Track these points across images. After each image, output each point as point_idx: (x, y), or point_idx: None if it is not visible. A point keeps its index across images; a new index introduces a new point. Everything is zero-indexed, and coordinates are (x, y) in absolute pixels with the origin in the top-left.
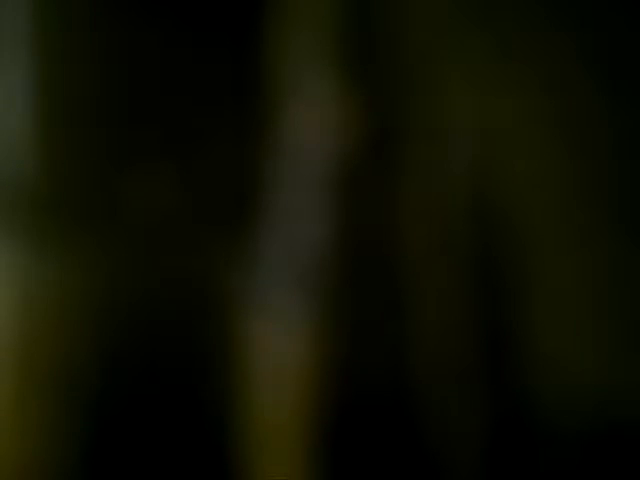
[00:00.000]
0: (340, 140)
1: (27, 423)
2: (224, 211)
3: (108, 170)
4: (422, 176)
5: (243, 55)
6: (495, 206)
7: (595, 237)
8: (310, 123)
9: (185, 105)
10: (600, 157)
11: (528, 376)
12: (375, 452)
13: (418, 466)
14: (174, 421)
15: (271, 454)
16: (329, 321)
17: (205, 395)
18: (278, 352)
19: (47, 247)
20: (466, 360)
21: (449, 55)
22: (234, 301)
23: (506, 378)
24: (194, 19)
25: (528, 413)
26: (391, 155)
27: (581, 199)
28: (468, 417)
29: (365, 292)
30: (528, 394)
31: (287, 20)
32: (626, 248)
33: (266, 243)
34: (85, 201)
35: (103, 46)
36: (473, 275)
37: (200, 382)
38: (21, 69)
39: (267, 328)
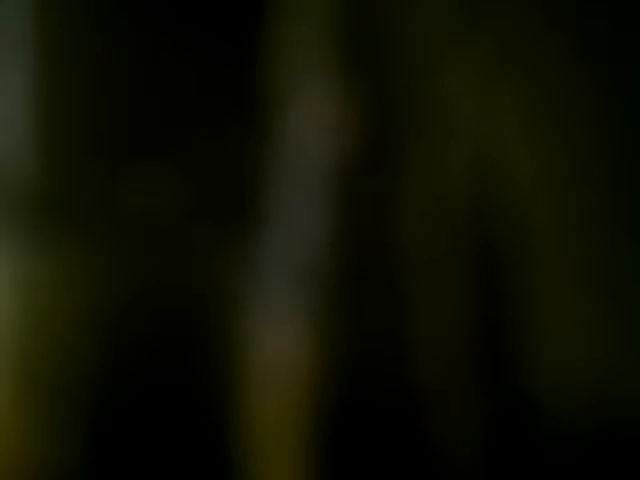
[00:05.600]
0: (340, 140)
1: (27, 424)
2: (224, 210)
3: (108, 170)
4: (422, 176)
5: (243, 55)
6: (495, 206)
7: (596, 237)
8: (310, 123)
9: (185, 105)
10: (601, 156)
11: (528, 376)
12: (375, 452)
13: (418, 466)
14: (174, 420)
15: (270, 453)
16: (329, 320)
17: (205, 394)
18: (278, 351)
19: (47, 247)
20: (466, 360)
21: (449, 55)
22: (234, 300)
23: (506, 378)
24: (194, 19)
25: (528, 413)
26: (391, 155)
27: (582, 199)
28: (468, 417)
29: (365, 292)
30: (528, 394)
31: (287, 20)
32: (627, 248)
33: (266, 242)
34: (85, 201)
35: (103, 47)
36: (473, 275)
37: (200, 381)
38: (21, 69)
39: (267, 327)
